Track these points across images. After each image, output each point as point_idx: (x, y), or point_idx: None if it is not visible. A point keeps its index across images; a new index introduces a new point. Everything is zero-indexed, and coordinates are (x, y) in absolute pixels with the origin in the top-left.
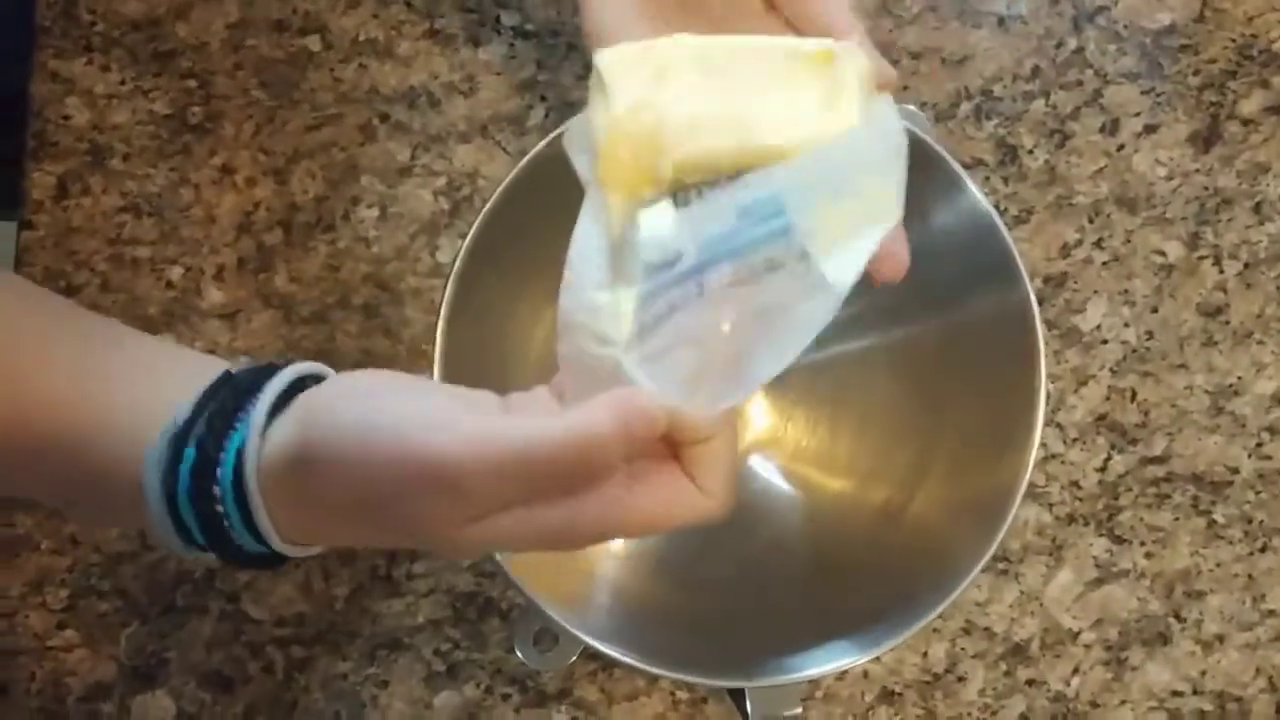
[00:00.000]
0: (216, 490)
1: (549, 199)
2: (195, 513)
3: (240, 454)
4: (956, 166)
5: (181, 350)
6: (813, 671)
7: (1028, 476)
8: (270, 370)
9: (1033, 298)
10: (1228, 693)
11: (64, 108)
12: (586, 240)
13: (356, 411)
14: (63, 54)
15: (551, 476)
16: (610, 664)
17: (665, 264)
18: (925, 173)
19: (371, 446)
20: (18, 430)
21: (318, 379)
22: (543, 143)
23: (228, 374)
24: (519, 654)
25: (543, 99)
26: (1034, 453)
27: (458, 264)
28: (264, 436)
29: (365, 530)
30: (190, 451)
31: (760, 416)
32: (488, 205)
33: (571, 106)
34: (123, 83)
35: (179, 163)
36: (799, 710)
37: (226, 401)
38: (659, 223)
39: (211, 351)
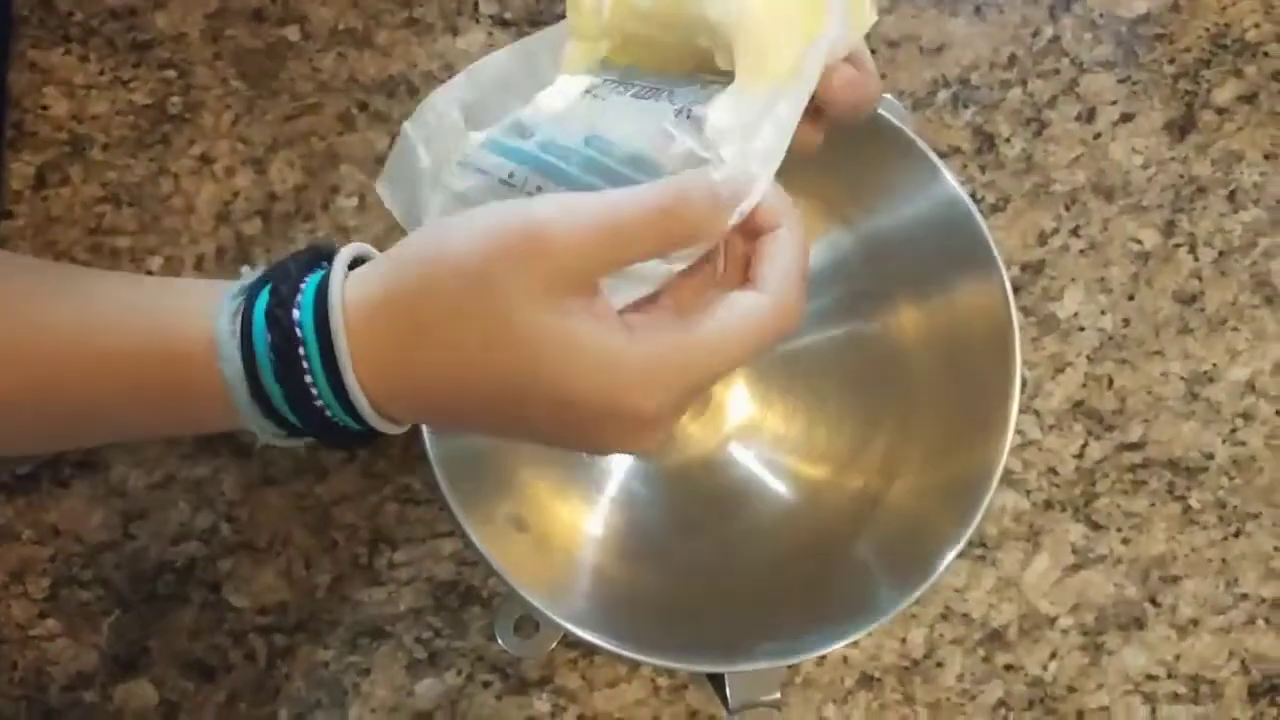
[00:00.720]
0: (295, 314)
1: None
2: (273, 355)
3: (320, 289)
4: (932, 155)
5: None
6: (792, 657)
7: (1003, 462)
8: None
9: (1008, 285)
10: (1201, 676)
11: (42, 98)
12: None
13: (438, 233)
14: (41, 44)
15: (639, 241)
16: (591, 651)
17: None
18: (901, 161)
19: (465, 235)
20: (86, 336)
21: None
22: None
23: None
24: (500, 641)
25: None
26: (1009, 439)
27: None
28: (345, 277)
29: (465, 365)
30: (265, 292)
31: (740, 405)
32: None
33: None
34: (101, 73)
35: (158, 153)
36: (778, 695)
37: (297, 260)
38: (548, 103)
39: None
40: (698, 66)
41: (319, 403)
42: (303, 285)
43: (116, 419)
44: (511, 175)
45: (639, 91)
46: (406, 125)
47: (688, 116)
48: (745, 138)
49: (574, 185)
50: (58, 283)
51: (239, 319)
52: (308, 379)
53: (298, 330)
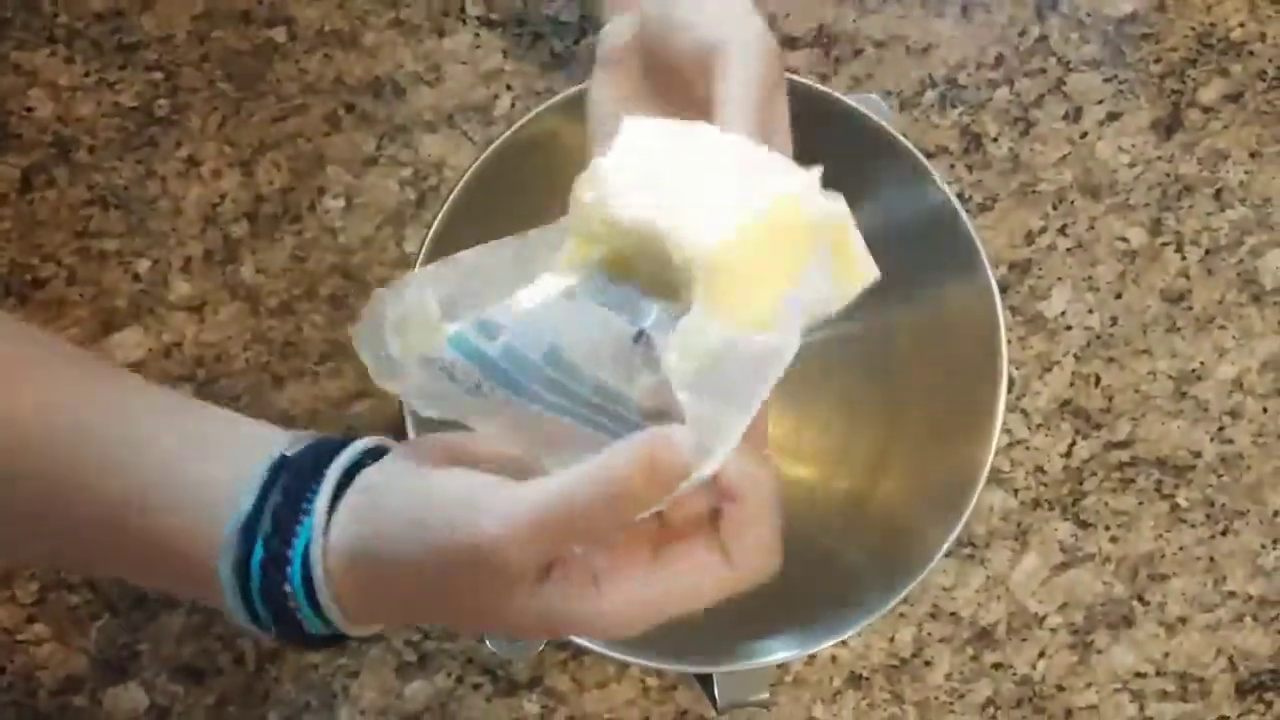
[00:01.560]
0: (288, 588)
1: (514, 188)
2: (266, 605)
3: (307, 550)
4: (918, 154)
5: (228, 415)
6: (778, 656)
7: (990, 462)
8: (328, 447)
9: (994, 285)
10: (1189, 673)
11: (27, 100)
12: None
13: (405, 505)
14: (25, 46)
15: (585, 531)
16: (580, 652)
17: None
18: (887, 161)
19: (421, 540)
20: (79, 496)
21: (376, 454)
22: (508, 132)
23: (284, 458)
24: (488, 642)
25: (508, 88)
26: (996, 438)
27: (422, 253)
28: (327, 534)
29: (431, 613)
30: (258, 549)
31: None
32: (452, 194)
33: (537, 95)
34: (87, 75)
35: (145, 155)
36: (766, 695)
37: (289, 490)
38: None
39: (178, 344)
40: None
41: (309, 630)
42: (294, 541)
43: (107, 566)
44: (479, 386)
45: (611, 300)
46: (382, 293)
47: (645, 343)
48: (707, 389)
49: (542, 405)
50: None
51: (236, 560)
52: (299, 616)
53: (288, 587)
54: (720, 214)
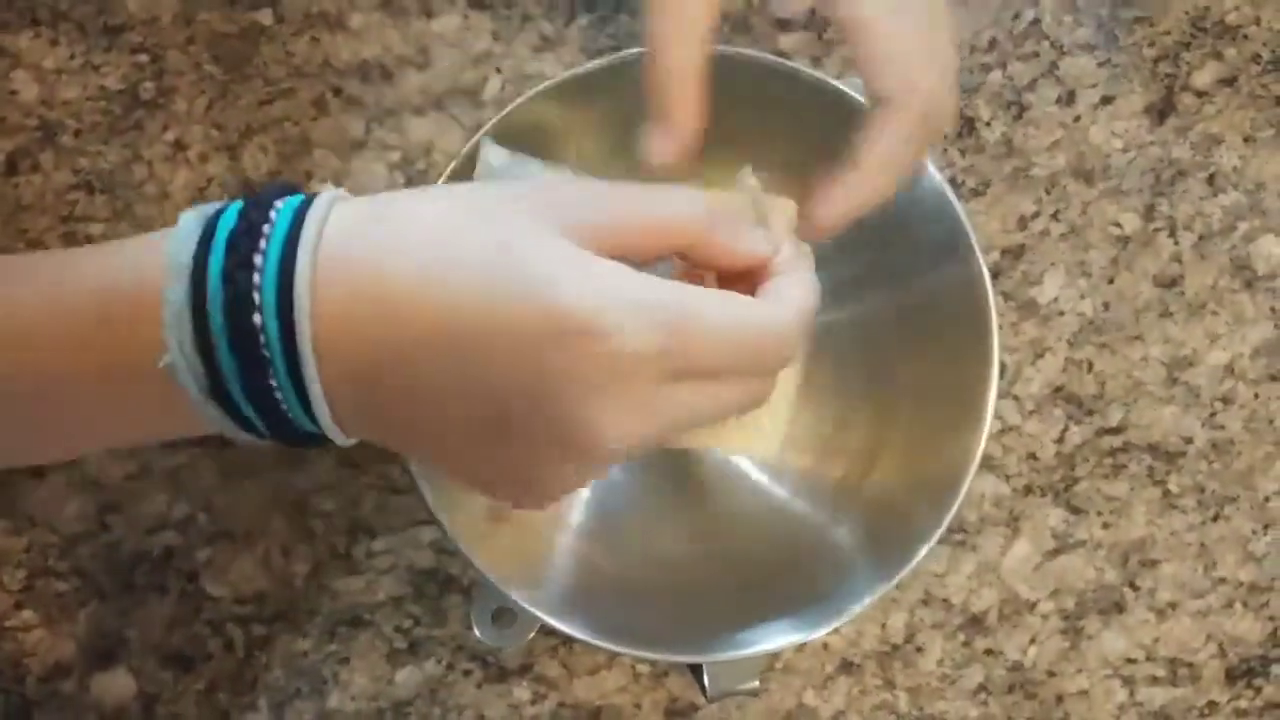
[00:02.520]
0: (258, 259)
1: None
2: (233, 346)
3: (286, 249)
4: None
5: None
6: (768, 645)
7: (982, 448)
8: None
9: (985, 271)
10: (1180, 659)
11: (11, 83)
12: None
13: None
14: (8, 27)
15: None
16: (570, 639)
17: None
18: None
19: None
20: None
21: None
22: (497, 116)
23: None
24: (477, 632)
25: (498, 71)
26: (988, 425)
27: None
28: (321, 232)
29: (455, 422)
30: (218, 257)
31: None
32: (441, 179)
33: (528, 79)
34: (72, 57)
35: (131, 139)
36: (756, 684)
37: (254, 205)
38: None
39: None
40: None
41: (265, 352)
42: (263, 242)
43: (51, 404)
44: None
45: None
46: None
47: None
48: None
49: None
50: None
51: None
52: (264, 353)
53: (257, 297)
54: None
